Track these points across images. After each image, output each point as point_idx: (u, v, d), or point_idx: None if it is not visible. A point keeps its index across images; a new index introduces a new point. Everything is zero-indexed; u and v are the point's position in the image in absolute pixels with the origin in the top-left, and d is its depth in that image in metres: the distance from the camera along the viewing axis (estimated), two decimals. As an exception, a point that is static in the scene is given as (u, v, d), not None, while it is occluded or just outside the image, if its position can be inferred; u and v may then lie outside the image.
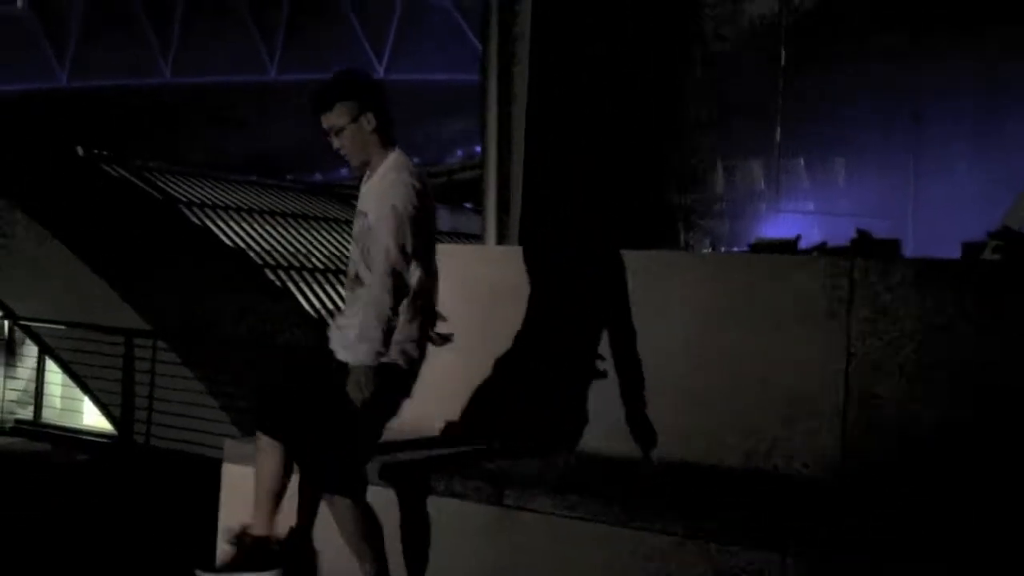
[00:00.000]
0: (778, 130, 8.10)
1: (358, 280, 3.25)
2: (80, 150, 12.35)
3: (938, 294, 3.50)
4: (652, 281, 4.02)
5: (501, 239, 6.40)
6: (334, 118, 3.22)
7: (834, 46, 8.57)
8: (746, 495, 3.41)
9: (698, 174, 8.61)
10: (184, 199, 12.38)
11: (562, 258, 4.46)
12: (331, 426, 3.15)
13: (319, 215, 14.53)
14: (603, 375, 4.01)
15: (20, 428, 9.09)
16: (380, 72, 43.43)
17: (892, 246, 5.61)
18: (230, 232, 12.07)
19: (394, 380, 3.23)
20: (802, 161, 8.79)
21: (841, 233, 7.71)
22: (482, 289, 4.26)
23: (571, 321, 4.13)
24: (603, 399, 3.97)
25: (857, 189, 9.02)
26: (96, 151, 12.34)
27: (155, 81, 49.75)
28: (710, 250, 7.03)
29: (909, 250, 6.92)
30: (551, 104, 8.13)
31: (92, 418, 9.68)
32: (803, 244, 6.65)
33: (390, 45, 43.98)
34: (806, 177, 8.99)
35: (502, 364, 4.19)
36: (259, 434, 3.23)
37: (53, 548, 5.14)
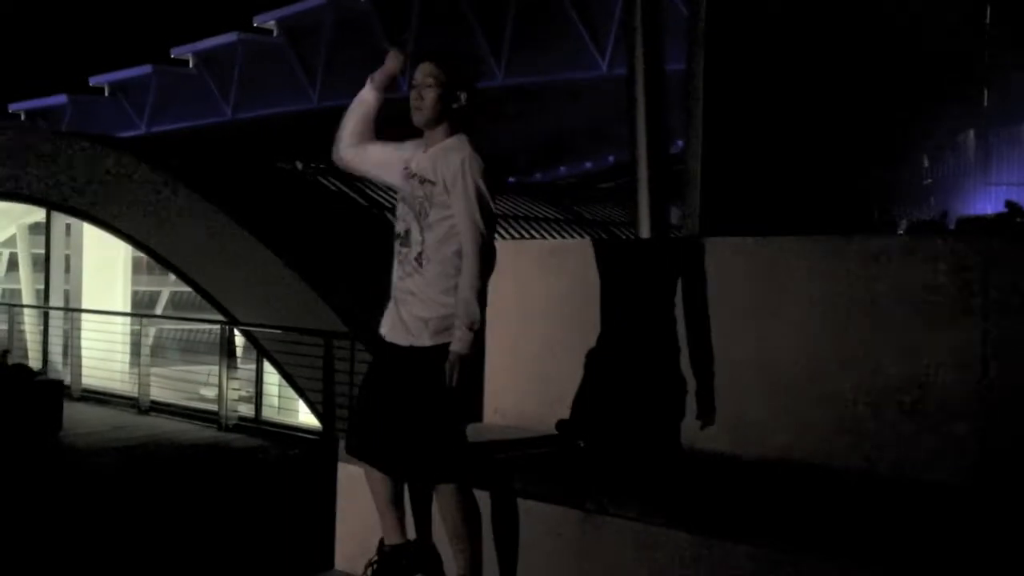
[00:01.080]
0: (987, 96, 7.33)
1: (409, 246, 3.21)
2: (299, 164, 13.19)
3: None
4: (766, 270, 3.74)
5: (655, 229, 6.20)
6: (438, 72, 3.22)
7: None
8: (860, 508, 3.08)
9: (900, 150, 7.97)
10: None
11: (675, 249, 4.24)
12: (425, 422, 3.14)
13: (529, 215, 14.72)
14: (704, 372, 3.78)
15: (241, 425, 9.85)
16: (603, 68, 43.60)
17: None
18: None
19: (475, 364, 3.23)
20: (1017, 132, 7.91)
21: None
22: (577, 286, 4.13)
23: (673, 316, 3.91)
24: (703, 395, 3.75)
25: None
26: (314, 165, 13.13)
27: (394, 96, 52.56)
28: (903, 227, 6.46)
29: None
30: (730, 83, 7.81)
31: (305, 416, 10.34)
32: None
33: (612, 41, 43.85)
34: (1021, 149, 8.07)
35: (595, 362, 4.06)
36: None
37: (249, 533, 5.86)
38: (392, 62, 3.34)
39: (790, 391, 3.62)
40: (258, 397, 10.03)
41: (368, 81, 3.38)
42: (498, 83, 48.02)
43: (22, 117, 73.81)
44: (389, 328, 3.25)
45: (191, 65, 66.16)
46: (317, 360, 9.22)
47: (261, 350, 10.15)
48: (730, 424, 3.74)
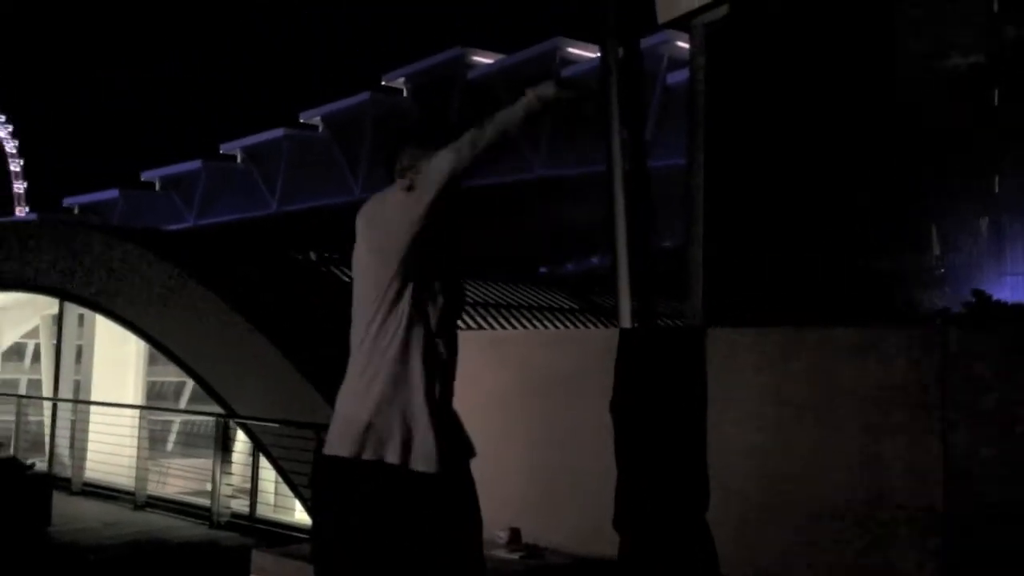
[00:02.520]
0: (997, 182, 7.00)
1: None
2: (313, 255, 13.15)
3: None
4: (721, 362, 3.42)
5: (636, 319, 5.91)
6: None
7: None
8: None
9: (912, 236, 7.65)
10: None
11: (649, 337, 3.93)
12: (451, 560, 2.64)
13: (544, 305, 14.48)
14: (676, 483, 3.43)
15: (234, 523, 9.52)
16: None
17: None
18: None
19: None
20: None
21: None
22: (538, 376, 3.83)
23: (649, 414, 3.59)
24: (657, 510, 3.38)
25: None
26: (327, 255, 13.08)
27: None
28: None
29: None
30: (732, 174, 7.59)
31: (302, 514, 9.99)
32: None
33: (648, 135, 44.18)
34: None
35: (568, 462, 3.73)
36: None
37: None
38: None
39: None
40: (253, 493, 9.72)
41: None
42: (534, 176, 48.51)
43: (75, 211, 76.11)
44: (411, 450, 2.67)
45: (239, 160, 68.01)
46: (312, 455, 8.92)
47: (257, 444, 9.89)
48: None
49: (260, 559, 3.57)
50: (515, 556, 3.56)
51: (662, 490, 3.44)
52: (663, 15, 8.10)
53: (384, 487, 2.56)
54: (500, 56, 53.03)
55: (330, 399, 9.75)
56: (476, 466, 4.00)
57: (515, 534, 3.70)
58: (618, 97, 6.09)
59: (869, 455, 3.01)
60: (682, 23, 8.09)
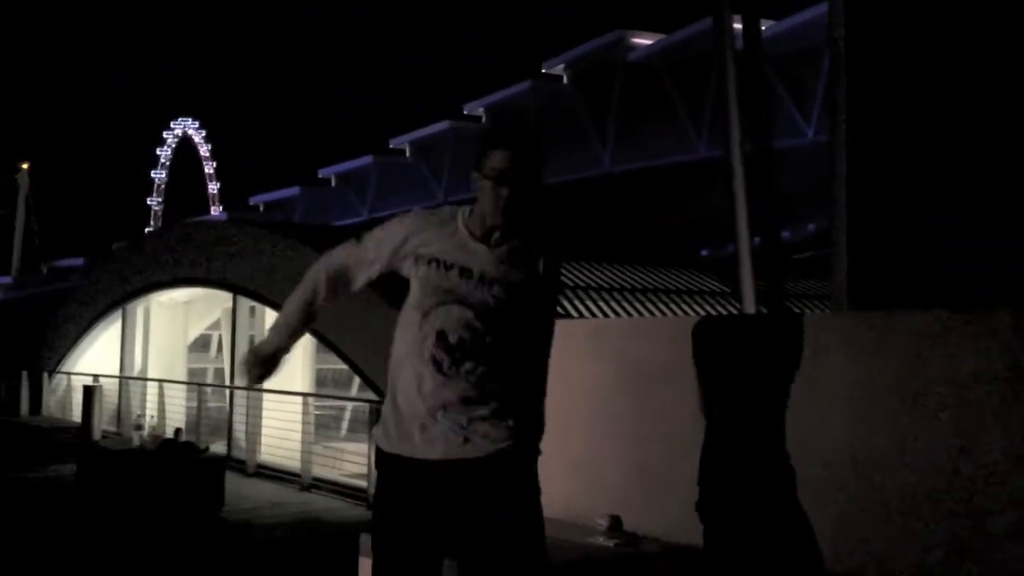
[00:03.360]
0: None
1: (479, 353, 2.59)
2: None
3: None
4: (802, 352, 3.34)
5: (760, 303, 5.77)
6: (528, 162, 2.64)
7: None
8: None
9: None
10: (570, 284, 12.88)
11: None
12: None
13: (693, 289, 14.28)
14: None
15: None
16: (809, 135, 42.19)
17: None
18: (576, 312, 12.33)
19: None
20: None
21: None
22: (630, 365, 3.84)
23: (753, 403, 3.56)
24: (754, 499, 3.34)
25: None
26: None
27: (595, 172, 53.42)
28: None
29: None
30: (875, 154, 7.28)
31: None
32: None
33: (817, 110, 42.47)
34: None
35: (669, 453, 3.73)
36: None
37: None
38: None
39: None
40: (370, 469, 10.09)
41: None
42: (700, 155, 47.61)
43: (261, 209, 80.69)
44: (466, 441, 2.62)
45: (407, 154, 70.21)
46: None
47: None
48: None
49: (368, 542, 3.75)
50: (611, 543, 3.60)
51: (751, 479, 3.39)
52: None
53: (429, 481, 2.60)
54: (660, 36, 52.31)
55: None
56: (578, 456, 4.06)
57: (615, 521, 3.74)
58: (736, 76, 5.97)
59: (966, 444, 2.88)
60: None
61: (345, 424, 16.32)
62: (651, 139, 49.55)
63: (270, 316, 13.91)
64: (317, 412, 12.36)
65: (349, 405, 16.77)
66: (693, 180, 42.81)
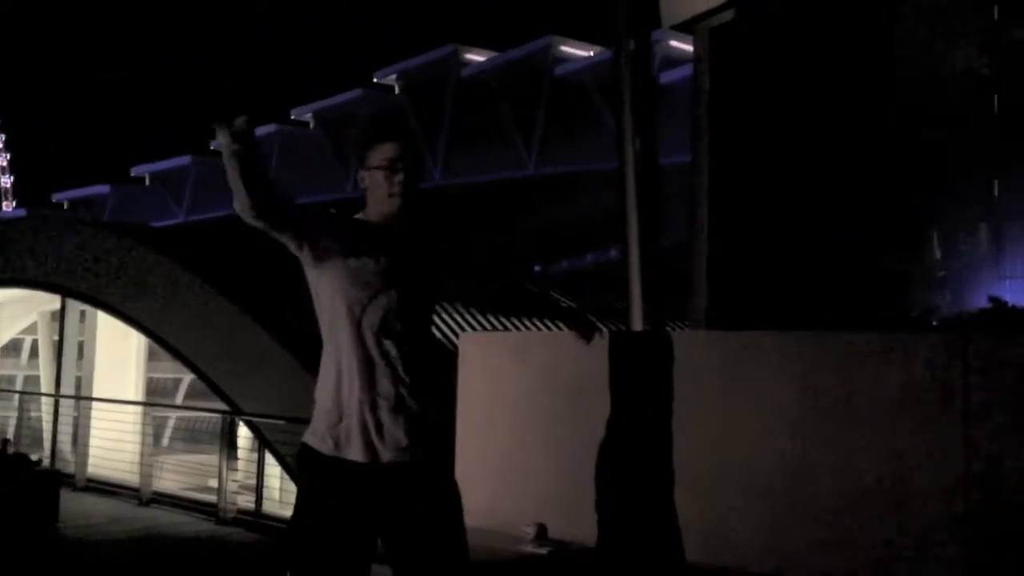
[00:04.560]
0: (997, 187, 7.12)
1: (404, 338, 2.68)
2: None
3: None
4: (744, 366, 3.53)
5: (648, 324, 6.01)
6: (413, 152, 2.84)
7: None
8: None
9: (907, 239, 7.81)
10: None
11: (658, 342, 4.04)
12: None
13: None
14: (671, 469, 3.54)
15: (240, 519, 9.61)
16: (632, 159, 43.96)
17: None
18: (442, 325, 12.37)
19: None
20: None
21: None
22: (562, 378, 3.94)
23: (656, 415, 3.70)
24: (698, 504, 3.50)
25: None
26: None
27: (426, 185, 53.42)
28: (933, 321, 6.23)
29: None
30: (736, 178, 7.70)
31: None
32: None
33: (642, 132, 44.34)
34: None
35: (594, 462, 3.83)
36: None
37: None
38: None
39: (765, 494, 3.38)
40: (259, 489, 9.80)
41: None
42: (530, 173, 48.61)
43: (65, 206, 75.83)
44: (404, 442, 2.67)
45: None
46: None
47: (263, 440, 9.97)
48: (706, 529, 3.49)
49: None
50: (543, 551, 3.67)
51: (672, 487, 3.55)
52: (668, 19, 8.21)
53: (352, 481, 2.64)
54: (493, 54, 53.09)
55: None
56: (503, 465, 4.12)
57: (542, 529, 3.81)
58: (631, 98, 6.21)
59: (893, 456, 3.13)
60: (687, 27, 8.20)
61: (167, 434, 15.63)
62: (483, 154, 50.13)
63: (102, 320, 13.17)
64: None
65: (172, 415, 16.08)
66: (524, 197, 43.69)
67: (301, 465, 2.74)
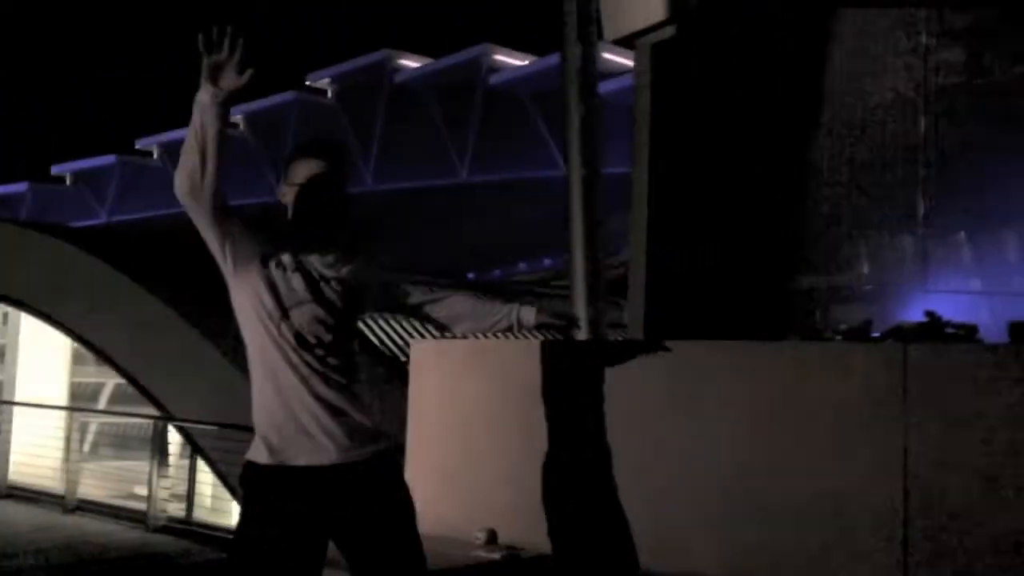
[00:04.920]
0: (922, 202, 7.39)
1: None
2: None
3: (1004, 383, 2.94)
4: (696, 376, 3.63)
5: (594, 333, 6.12)
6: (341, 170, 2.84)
7: (985, 111, 7.81)
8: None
9: (837, 254, 8.03)
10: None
11: (605, 346, 4.13)
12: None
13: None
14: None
15: (170, 527, 9.43)
16: (563, 167, 44.22)
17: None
18: (382, 333, 12.33)
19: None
20: (960, 236, 7.99)
21: (1015, 314, 6.86)
22: (517, 385, 3.99)
23: (612, 421, 3.78)
24: (648, 511, 3.58)
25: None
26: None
27: (359, 190, 52.98)
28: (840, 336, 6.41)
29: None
30: (674, 191, 7.86)
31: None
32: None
33: (574, 142, 44.67)
34: (966, 252, 8.15)
35: (546, 468, 3.89)
36: None
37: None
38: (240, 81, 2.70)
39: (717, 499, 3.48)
40: (190, 496, 9.63)
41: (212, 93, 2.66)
42: (462, 180, 48.63)
43: (-22, 204, 73.27)
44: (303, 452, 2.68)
45: (156, 156, 66.42)
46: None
47: (195, 447, 9.81)
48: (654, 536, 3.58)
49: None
50: (495, 555, 3.71)
51: (623, 494, 3.62)
52: (609, 34, 8.35)
53: (296, 486, 2.66)
54: (428, 60, 52.97)
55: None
56: (454, 471, 4.14)
57: (492, 535, 3.85)
58: (578, 107, 6.32)
59: (835, 461, 3.25)
60: (628, 42, 8.35)
61: (91, 440, 15.24)
62: (415, 160, 49.96)
63: (26, 322, 12.81)
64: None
65: (97, 421, 15.69)
66: (456, 204, 43.65)
67: (243, 481, 2.76)
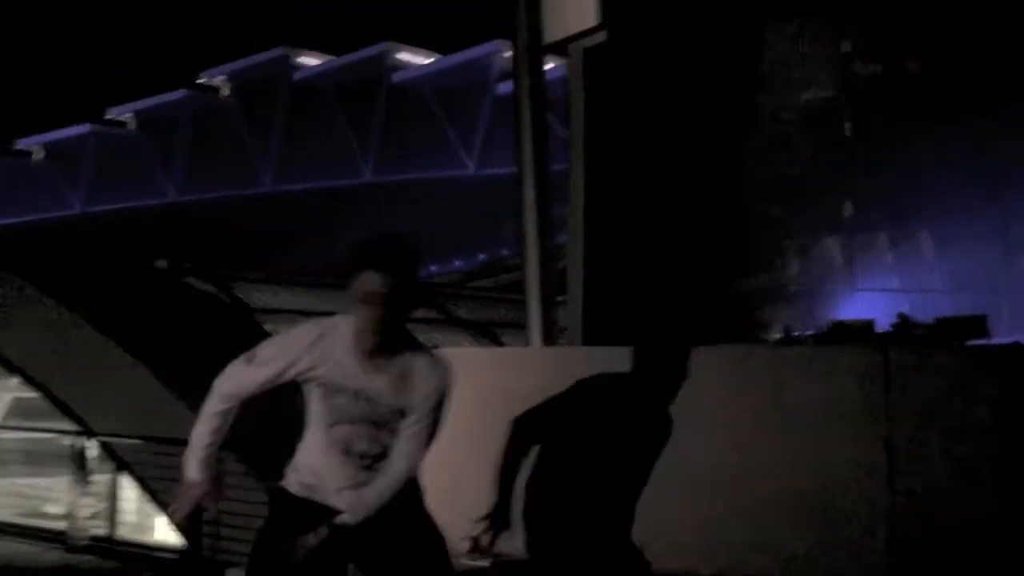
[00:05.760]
0: (849, 206, 7.66)
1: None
2: (164, 263, 12.64)
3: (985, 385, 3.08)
4: (674, 380, 3.69)
5: (547, 338, 6.15)
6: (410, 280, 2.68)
7: (907, 116, 8.14)
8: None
9: (768, 255, 8.24)
10: (261, 307, 12.47)
11: (590, 357, 4.16)
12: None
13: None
14: (630, 490, 3.65)
15: (93, 546, 9.07)
16: (471, 167, 44.36)
17: (978, 323, 5.11)
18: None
19: None
20: (881, 236, 8.32)
21: (932, 310, 7.18)
22: (497, 394, 3.99)
23: (593, 428, 3.80)
24: (627, 514, 3.61)
25: (947, 264, 8.48)
26: (180, 264, 12.61)
27: (257, 191, 51.83)
28: (780, 335, 6.59)
29: (1002, 327, 6.36)
30: (609, 194, 7.95)
31: (164, 534, 9.63)
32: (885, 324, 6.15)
33: (479, 141, 44.77)
34: (887, 253, 8.50)
35: (526, 475, 3.89)
36: None
37: None
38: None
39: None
40: (113, 513, 9.27)
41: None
42: (367, 180, 48.17)
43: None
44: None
45: (38, 157, 63.61)
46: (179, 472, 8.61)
47: (119, 462, 9.45)
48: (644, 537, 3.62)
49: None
50: (484, 563, 3.70)
51: (610, 497, 3.65)
52: (546, 37, 8.42)
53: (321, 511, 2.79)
54: (328, 58, 52.30)
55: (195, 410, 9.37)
56: (437, 481, 4.10)
57: (476, 543, 3.83)
58: (531, 111, 6.34)
59: (820, 458, 3.35)
60: (561, 46, 8.43)
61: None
62: (317, 161, 49.23)
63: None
64: None
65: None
66: (361, 204, 43.21)
67: (272, 500, 2.88)
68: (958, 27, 7.78)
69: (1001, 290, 7.75)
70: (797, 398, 3.42)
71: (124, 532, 9.45)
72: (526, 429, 3.85)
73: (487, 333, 14.84)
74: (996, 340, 5.54)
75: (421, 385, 2.75)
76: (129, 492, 9.77)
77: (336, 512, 2.78)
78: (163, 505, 9.42)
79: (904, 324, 4.27)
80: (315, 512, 2.79)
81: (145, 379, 9.54)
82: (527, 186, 6.12)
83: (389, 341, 2.67)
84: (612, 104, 8.01)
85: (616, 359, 3.82)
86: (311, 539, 2.75)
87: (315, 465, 2.82)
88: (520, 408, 3.91)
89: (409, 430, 2.78)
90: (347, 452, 2.78)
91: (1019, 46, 7.54)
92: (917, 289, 8.30)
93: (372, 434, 2.78)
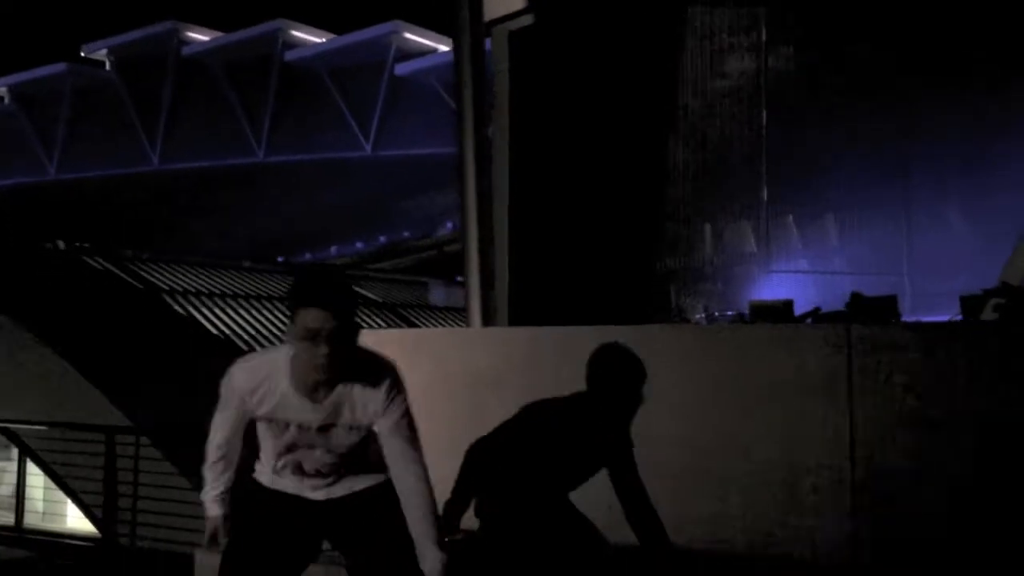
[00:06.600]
0: (764, 189, 7.93)
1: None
2: (61, 243, 12.20)
3: (940, 358, 3.30)
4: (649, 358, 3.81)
5: (486, 318, 6.20)
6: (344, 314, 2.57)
7: (817, 103, 8.47)
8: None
9: (685, 238, 8.44)
10: (167, 288, 12.17)
11: (544, 336, 4.25)
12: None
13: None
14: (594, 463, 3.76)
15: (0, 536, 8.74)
16: (367, 149, 43.82)
17: (889, 304, 5.39)
18: (215, 320, 11.85)
19: None
20: (791, 219, 8.64)
21: (837, 291, 7.47)
22: (462, 376, 4.04)
23: (557, 406, 3.89)
24: (598, 489, 3.72)
25: (851, 246, 8.87)
26: (78, 244, 12.19)
27: (143, 169, 49.96)
28: (703, 316, 6.79)
29: (906, 307, 6.67)
30: (533, 177, 8.05)
31: (76, 521, 9.33)
32: (797, 306, 6.44)
33: (376, 122, 44.25)
34: (797, 236, 8.83)
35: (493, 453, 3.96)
36: None
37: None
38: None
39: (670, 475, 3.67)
40: (19, 502, 8.94)
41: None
42: (259, 160, 47.06)
43: None
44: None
45: (108, 66, 59.41)
46: (92, 458, 8.36)
47: (24, 449, 9.10)
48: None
49: (204, 558, 3.51)
50: (456, 536, 3.75)
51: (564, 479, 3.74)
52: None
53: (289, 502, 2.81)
54: (218, 34, 50.75)
55: (113, 400, 9.08)
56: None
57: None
58: (472, 92, 6.35)
59: (786, 434, 3.52)
60: (487, 29, 8.46)
61: None
62: (207, 139, 47.82)
63: None
64: None
65: None
66: (255, 185, 42.21)
67: (246, 492, 2.88)
68: (868, 15, 8.12)
69: (904, 272, 8.17)
70: (761, 376, 3.57)
71: (32, 521, 9.13)
72: (486, 409, 3.91)
73: (397, 314, 14.81)
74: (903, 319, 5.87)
75: (368, 401, 2.69)
76: (36, 480, 9.43)
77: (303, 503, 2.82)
78: (73, 493, 9.13)
79: (855, 302, 4.48)
80: (289, 499, 2.82)
81: (53, 361, 9.21)
82: (468, 171, 6.16)
83: (334, 378, 2.60)
84: (536, 89, 8.09)
85: (563, 338, 3.91)
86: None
87: (273, 478, 2.83)
88: (477, 388, 3.97)
89: (387, 440, 2.76)
90: (301, 471, 2.79)
91: (923, 34, 7.94)
92: (826, 271, 8.69)
93: (323, 454, 2.76)
